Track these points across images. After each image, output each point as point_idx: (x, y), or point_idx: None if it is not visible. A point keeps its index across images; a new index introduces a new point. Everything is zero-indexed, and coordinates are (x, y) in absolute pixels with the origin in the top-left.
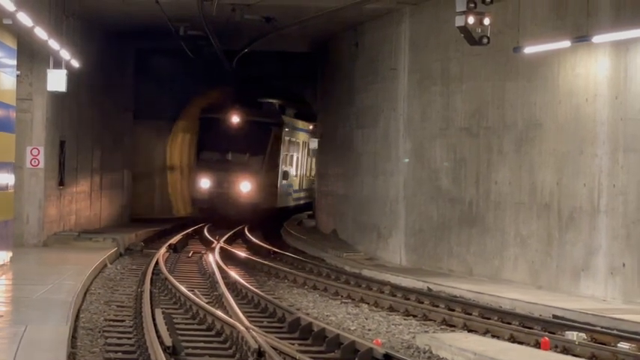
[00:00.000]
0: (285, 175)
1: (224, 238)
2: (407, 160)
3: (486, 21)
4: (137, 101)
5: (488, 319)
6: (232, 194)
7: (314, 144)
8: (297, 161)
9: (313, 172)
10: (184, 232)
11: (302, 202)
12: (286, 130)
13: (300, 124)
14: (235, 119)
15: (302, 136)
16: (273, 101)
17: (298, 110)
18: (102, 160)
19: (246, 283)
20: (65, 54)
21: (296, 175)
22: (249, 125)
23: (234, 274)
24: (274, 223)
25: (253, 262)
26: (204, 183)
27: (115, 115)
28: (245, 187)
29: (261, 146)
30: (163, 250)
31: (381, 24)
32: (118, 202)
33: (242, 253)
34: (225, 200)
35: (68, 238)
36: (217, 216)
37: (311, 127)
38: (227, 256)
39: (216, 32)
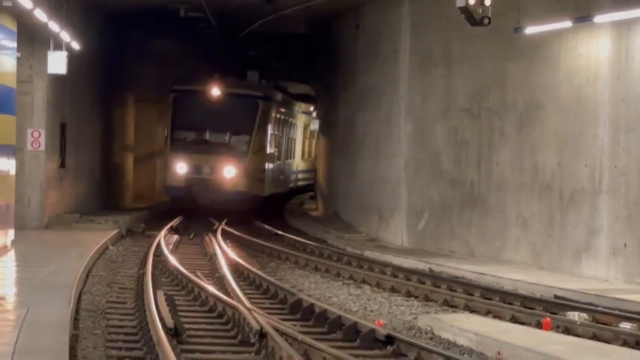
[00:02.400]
0: (275, 157)
1: (225, 220)
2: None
3: (487, 1)
4: (138, 83)
5: (490, 299)
6: (211, 181)
7: (315, 125)
8: (295, 142)
9: (314, 154)
10: (186, 213)
11: (301, 183)
12: (278, 105)
13: (302, 105)
14: (215, 91)
15: (301, 117)
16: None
17: (297, 89)
18: (103, 142)
19: (247, 265)
20: (65, 36)
21: (293, 157)
22: (231, 99)
23: (235, 255)
24: (276, 205)
25: (255, 243)
26: (179, 168)
27: (117, 98)
28: (228, 172)
29: (247, 124)
30: (165, 231)
31: (382, 5)
32: (120, 184)
33: (244, 235)
34: (204, 188)
35: (70, 220)
36: (193, 206)
37: (312, 108)
38: (229, 238)
39: (216, 14)
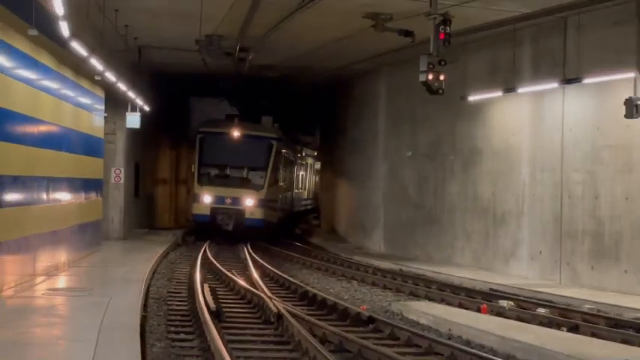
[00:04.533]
0: (284, 189)
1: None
2: (410, 153)
3: (441, 77)
4: (186, 130)
5: (443, 291)
6: (232, 210)
7: (317, 165)
8: (300, 177)
9: (315, 186)
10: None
11: (311, 206)
12: (288, 147)
13: (307, 150)
14: (235, 133)
15: (306, 158)
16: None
17: (304, 138)
18: (163, 178)
19: (268, 266)
20: (139, 101)
21: (298, 188)
22: (249, 139)
23: (260, 259)
24: (287, 225)
25: (274, 250)
26: (205, 198)
27: (175, 144)
28: (247, 202)
29: (263, 161)
30: (209, 242)
31: (366, 78)
32: (176, 208)
33: (266, 245)
34: (226, 216)
35: (141, 234)
36: (215, 232)
37: (315, 152)
38: (255, 247)
39: (247, 84)
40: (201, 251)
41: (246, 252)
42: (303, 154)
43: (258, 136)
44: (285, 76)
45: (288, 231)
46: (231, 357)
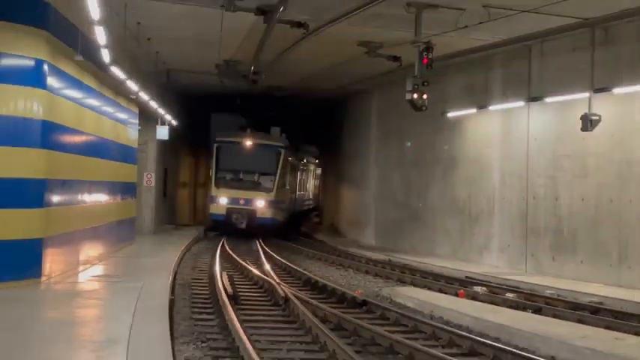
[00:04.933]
0: (290, 191)
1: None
2: (409, 144)
3: (425, 96)
4: (203, 141)
5: (426, 278)
6: (245, 210)
7: (318, 171)
8: (303, 180)
9: (316, 188)
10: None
11: (312, 206)
12: (293, 155)
13: (309, 157)
14: (247, 142)
15: (308, 164)
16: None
17: (307, 147)
18: (184, 181)
19: (277, 256)
20: (168, 116)
21: (302, 190)
22: (260, 147)
23: (269, 250)
24: (293, 222)
25: (281, 243)
26: (221, 200)
27: (194, 153)
28: (258, 203)
29: (272, 166)
30: (227, 236)
31: (360, 97)
32: (196, 207)
33: (275, 238)
34: (239, 215)
35: (169, 229)
36: (230, 229)
37: (317, 160)
38: (265, 241)
39: (258, 100)
40: (220, 245)
41: (258, 245)
42: (305, 161)
43: (268, 145)
44: (292, 94)
45: (294, 227)
46: (246, 334)
